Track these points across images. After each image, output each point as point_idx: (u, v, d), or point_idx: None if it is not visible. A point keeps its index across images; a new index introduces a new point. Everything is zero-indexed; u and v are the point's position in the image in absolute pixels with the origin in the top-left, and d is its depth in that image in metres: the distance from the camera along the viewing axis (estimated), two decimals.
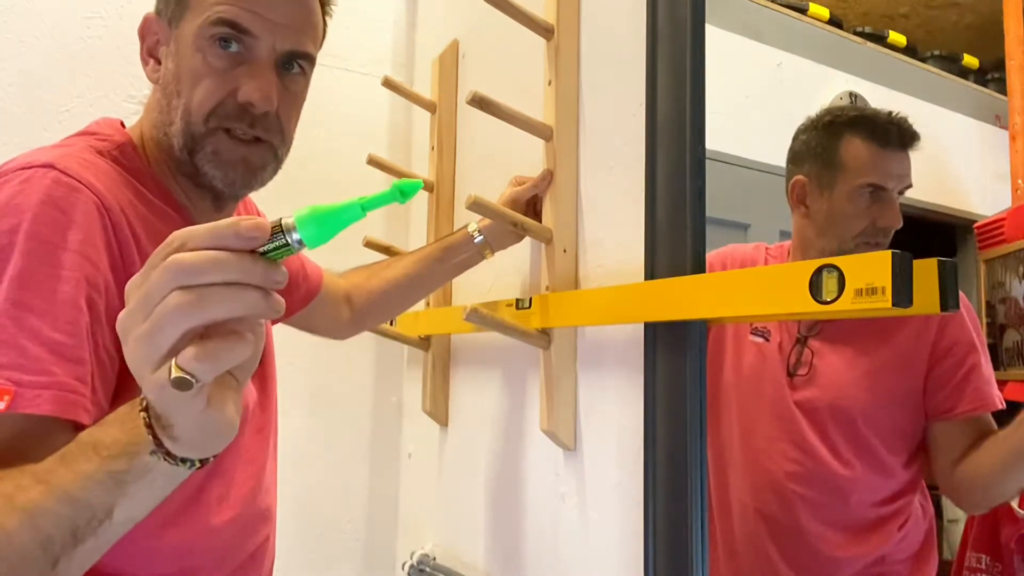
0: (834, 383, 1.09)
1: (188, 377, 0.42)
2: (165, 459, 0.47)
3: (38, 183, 0.62)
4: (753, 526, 1.12)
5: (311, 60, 0.80)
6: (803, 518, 1.09)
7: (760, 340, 1.16)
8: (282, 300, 0.45)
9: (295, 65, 0.78)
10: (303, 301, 1.07)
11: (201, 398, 0.44)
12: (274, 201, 1.10)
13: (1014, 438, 0.99)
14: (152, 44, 0.78)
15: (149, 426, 0.47)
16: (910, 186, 1.07)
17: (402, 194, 0.46)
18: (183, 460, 0.48)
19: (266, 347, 0.87)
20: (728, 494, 1.15)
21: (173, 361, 0.42)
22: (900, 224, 1.05)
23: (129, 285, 0.44)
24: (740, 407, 1.16)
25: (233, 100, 0.74)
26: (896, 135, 1.07)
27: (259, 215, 1.03)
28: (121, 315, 0.44)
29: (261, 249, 0.43)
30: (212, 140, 0.74)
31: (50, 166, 0.64)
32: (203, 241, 0.42)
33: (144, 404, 0.47)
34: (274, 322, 0.97)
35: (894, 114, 1.09)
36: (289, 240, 0.44)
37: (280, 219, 0.44)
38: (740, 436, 1.15)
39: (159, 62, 0.77)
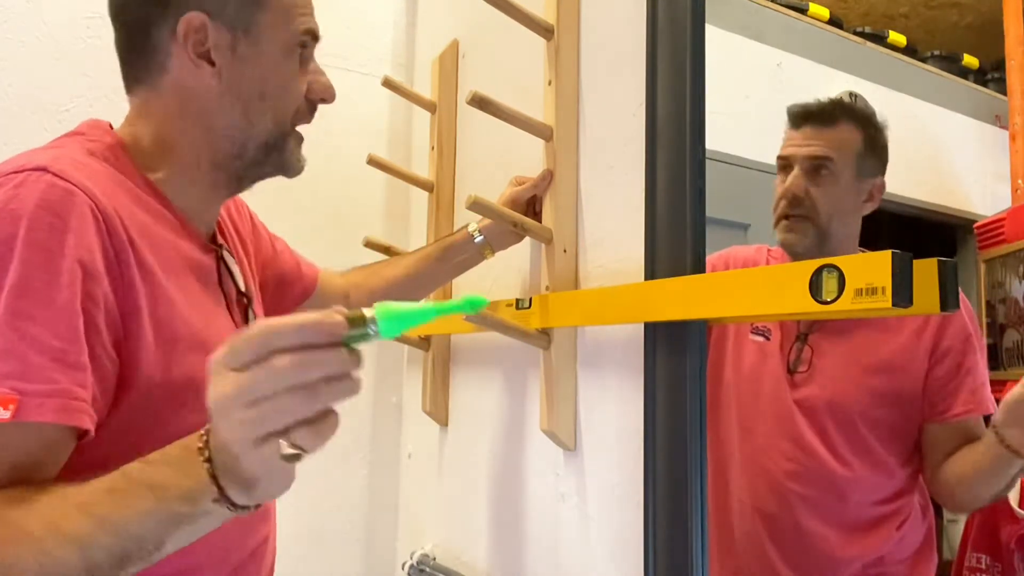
0: (833, 381, 1.09)
1: (300, 452, 0.49)
2: (228, 507, 0.51)
3: (32, 187, 0.62)
4: (751, 525, 1.12)
5: None
6: (802, 517, 1.09)
7: (761, 339, 1.16)
8: (361, 378, 0.49)
9: None
10: (298, 299, 1.07)
11: (295, 465, 0.50)
12: (274, 201, 1.10)
13: (986, 451, 1.00)
14: (199, 45, 0.74)
15: (214, 477, 0.50)
16: (819, 156, 1.09)
17: (471, 307, 0.52)
18: (244, 507, 0.52)
19: None
20: (727, 493, 1.15)
21: (284, 441, 0.48)
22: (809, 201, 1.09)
23: (216, 364, 0.48)
24: (740, 406, 1.16)
25: (306, 99, 0.80)
26: (800, 114, 1.12)
27: (251, 214, 1.03)
28: (217, 394, 0.48)
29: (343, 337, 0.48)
30: (292, 139, 0.80)
31: (43, 169, 0.63)
32: (294, 339, 0.46)
33: (207, 455, 0.50)
34: None
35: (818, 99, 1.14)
36: (370, 331, 0.49)
37: (362, 311, 0.49)
38: (740, 435, 1.15)
39: (212, 64, 0.75)
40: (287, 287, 1.05)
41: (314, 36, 0.78)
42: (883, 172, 1.14)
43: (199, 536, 0.54)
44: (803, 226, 1.09)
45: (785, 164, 1.12)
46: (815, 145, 1.10)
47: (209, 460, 0.50)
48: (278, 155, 0.80)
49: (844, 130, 1.11)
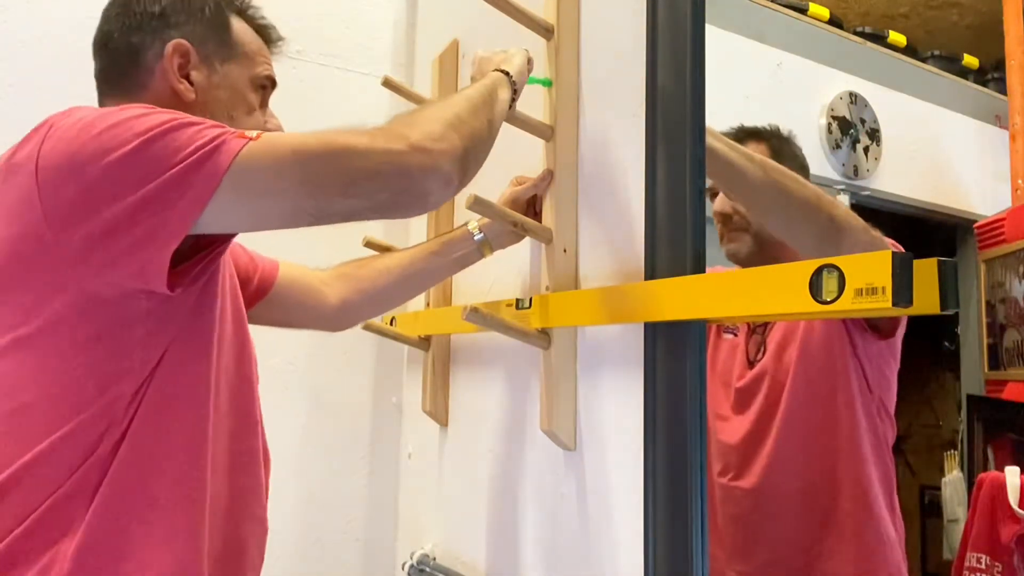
0: (776, 362, 1.17)
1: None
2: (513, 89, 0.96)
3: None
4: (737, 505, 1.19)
5: None
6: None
7: (731, 337, 1.25)
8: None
9: None
10: (257, 294, 1.06)
11: None
12: None
13: None
14: (183, 68, 0.86)
15: (507, 75, 0.95)
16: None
17: None
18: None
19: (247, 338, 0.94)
20: (711, 482, 1.20)
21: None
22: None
23: (478, 57, 1.01)
24: (714, 399, 1.23)
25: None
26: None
27: None
28: (489, 58, 1.00)
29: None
30: None
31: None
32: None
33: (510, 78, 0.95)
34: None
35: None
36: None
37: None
38: (717, 424, 1.23)
39: (191, 84, 0.86)
40: (244, 283, 1.03)
41: (273, 83, 0.93)
42: (804, 176, 1.25)
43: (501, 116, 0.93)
44: (739, 236, 1.19)
45: (712, 190, 1.22)
46: None
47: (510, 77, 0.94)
48: None
49: (750, 147, 1.20)
